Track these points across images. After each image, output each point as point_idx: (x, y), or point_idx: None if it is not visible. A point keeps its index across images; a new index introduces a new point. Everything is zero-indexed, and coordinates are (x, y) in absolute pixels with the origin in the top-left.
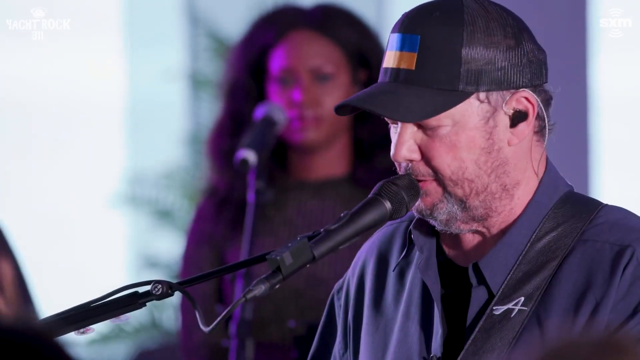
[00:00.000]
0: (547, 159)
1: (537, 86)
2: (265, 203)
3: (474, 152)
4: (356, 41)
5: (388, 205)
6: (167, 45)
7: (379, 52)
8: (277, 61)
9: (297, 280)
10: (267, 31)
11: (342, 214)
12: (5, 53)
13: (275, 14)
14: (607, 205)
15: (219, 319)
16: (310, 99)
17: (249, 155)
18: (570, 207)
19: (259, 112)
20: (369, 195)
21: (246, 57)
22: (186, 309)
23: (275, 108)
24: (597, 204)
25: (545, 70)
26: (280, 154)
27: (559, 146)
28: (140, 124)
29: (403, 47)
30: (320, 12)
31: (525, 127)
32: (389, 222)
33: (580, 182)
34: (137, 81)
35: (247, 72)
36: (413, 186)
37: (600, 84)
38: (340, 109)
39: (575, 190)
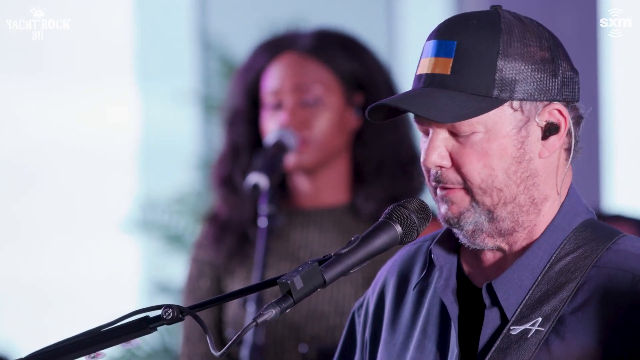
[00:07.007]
0: (571, 182)
1: (569, 102)
2: (276, 228)
3: (504, 160)
4: (351, 65)
5: (399, 228)
6: (178, 70)
7: (378, 76)
8: (267, 83)
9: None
10: (262, 56)
11: (352, 238)
12: (6, 53)
13: (272, 40)
14: (627, 235)
15: (229, 343)
16: (296, 121)
17: (261, 180)
18: (591, 232)
19: (271, 137)
20: (380, 219)
21: (244, 83)
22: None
23: (287, 133)
24: (617, 232)
25: (577, 88)
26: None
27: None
28: (152, 149)
29: (439, 52)
30: (314, 36)
31: (557, 141)
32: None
33: (592, 179)
34: (149, 106)
35: (245, 98)
36: (424, 209)
37: (610, 86)
38: (372, 115)
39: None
